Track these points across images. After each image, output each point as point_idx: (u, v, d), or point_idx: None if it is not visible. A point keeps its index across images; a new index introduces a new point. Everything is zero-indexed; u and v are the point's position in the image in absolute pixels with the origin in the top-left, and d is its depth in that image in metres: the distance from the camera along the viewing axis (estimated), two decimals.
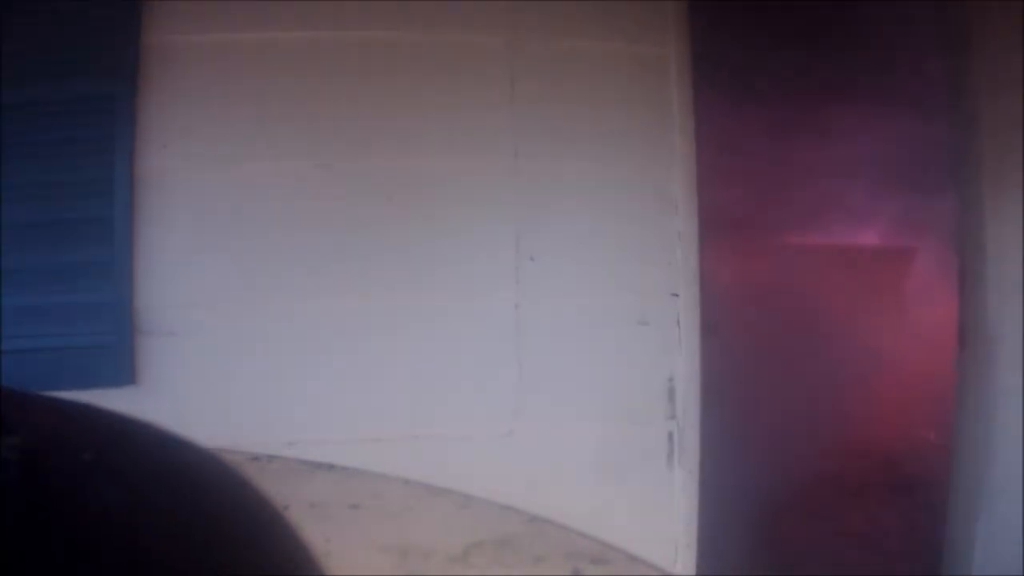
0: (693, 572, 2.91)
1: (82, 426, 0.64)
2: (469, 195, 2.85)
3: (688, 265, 2.93)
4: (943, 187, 3.15)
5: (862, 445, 3.22)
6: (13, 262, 2.60)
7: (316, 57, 2.78)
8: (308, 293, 2.77)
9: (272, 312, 2.77)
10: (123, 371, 2.67)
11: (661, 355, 2.93)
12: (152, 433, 0.68)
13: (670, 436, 2.93)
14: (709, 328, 2.96)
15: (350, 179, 2.79)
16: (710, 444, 2.97)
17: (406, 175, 2.81)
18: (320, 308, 2.79)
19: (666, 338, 2.92)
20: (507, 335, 2.85)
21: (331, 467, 0.98)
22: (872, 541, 3.22)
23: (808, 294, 3.20)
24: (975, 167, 3.11)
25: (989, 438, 3.10)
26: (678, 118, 2.92)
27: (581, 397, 2.90)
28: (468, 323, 2.85)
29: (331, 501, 0.91)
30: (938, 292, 3.18)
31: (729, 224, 3.13)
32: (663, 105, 2.93)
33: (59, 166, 2.65)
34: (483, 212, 2.86)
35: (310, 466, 0.98)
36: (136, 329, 2.69)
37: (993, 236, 3.10)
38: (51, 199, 2.65)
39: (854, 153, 3.20)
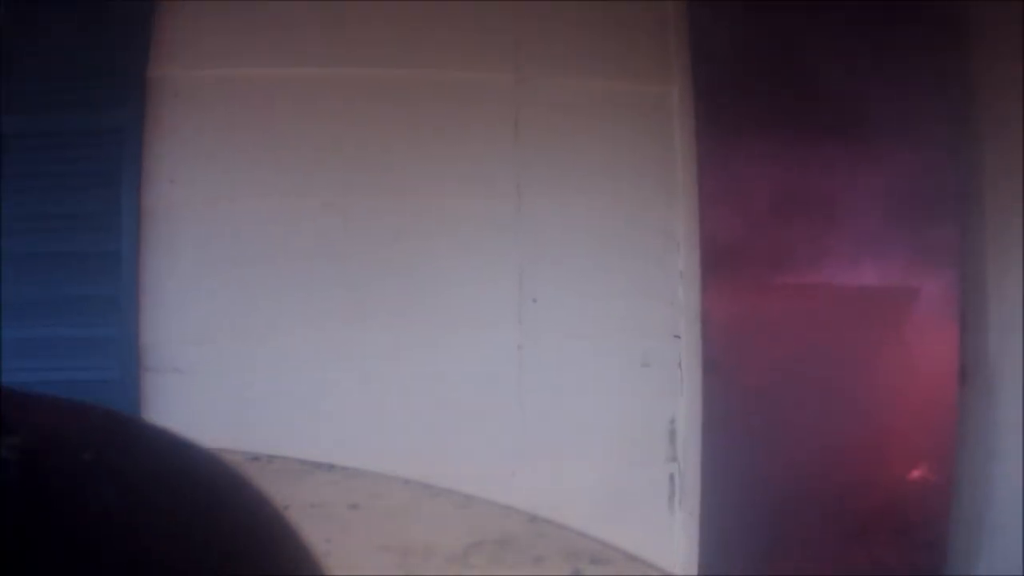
0: None
1: (82, 426, 0.64)
2: (472, 234, 2.86)
3: (690, 304, 2.93)
4: (945, 223, 3.16)
5: (863, 483, 3.20)
6: (17, 295, 2.60)
7: (322, 93, 2.81)
8: (312, 331, 2.78)
9: (277, 351, 2.77)
10: (128, 407, 2.65)
11: (663, 397, 2.92)
12: (152, 433, 0.68)
13: (671, 478, 2.92)
14: (711, 367, 2.95)
15: (354, 217, 2.80)
16: (711, 486, 2.96)
17: (410, 213, 2.82)
18: (324, 348, 2.79)
19: (668, 379, 2.92)
20: (510, 376, 2.85)
21: (331, 467, 0.98)
22: None
23: (809, 332, 3.20)
24: (977, 204, 3.12)
25: (990, 475, 3.09)
26: (681, 156, 2.93)
27: (583, 439, 2.89)
28: (470, 364, 2.85)
29: (331, 501, 0.91)
30: (939, 329, 3.18)
31: (731, 262, 3.13)
32: (666, 143, 2.94)
33: (65, 199, 2.66)
34: (486, 251, 2.86)
35: (310, 466, 0.98)
36: (141, 365, 2.69)
37: (994, 273, 3.11)
38: (56, 232, 2.66)
39: (856, 190, 3.21)
